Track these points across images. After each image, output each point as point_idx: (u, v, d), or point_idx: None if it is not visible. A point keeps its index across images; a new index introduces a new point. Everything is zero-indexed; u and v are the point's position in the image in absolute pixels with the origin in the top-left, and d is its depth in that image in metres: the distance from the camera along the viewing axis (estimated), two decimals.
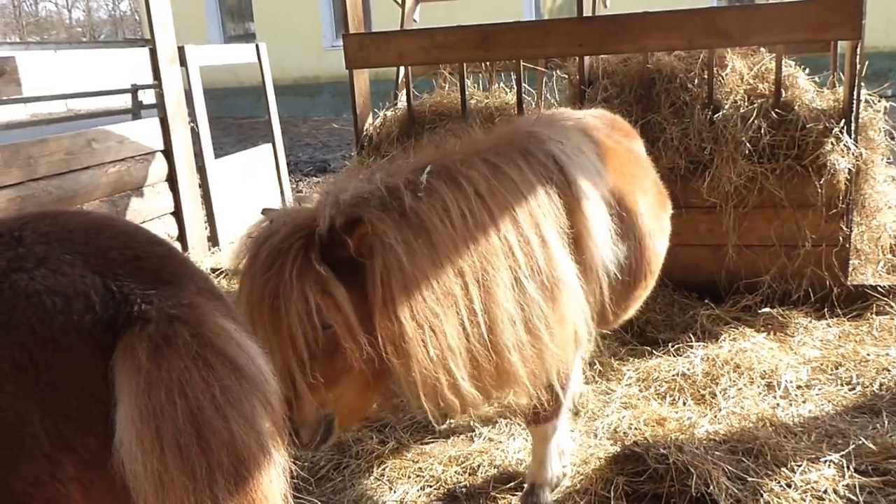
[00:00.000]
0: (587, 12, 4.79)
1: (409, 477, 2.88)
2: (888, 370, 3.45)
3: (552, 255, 2.14)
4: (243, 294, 1.92)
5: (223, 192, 6.00)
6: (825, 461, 2.71)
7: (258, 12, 16.83)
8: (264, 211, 2.15)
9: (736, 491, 2.52)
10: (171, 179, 5.26)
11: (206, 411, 1.05)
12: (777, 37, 4.11)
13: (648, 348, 3.76)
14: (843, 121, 4.06)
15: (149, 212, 5.03)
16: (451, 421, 3.15)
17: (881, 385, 3.33)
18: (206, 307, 1.18)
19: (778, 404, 3.22)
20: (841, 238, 4.09)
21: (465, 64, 4.63)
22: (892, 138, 4.29)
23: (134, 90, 6.72)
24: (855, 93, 4.05)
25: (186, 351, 1.08)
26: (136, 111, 6.68)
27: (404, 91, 5.05)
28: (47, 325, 1.08)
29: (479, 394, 2.06)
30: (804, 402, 3.24)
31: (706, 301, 4.17)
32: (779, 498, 2.51)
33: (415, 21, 6.20)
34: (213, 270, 5.03)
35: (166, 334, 1.08)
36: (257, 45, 6.66)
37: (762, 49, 4.45)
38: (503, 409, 3.26)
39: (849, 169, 4.01)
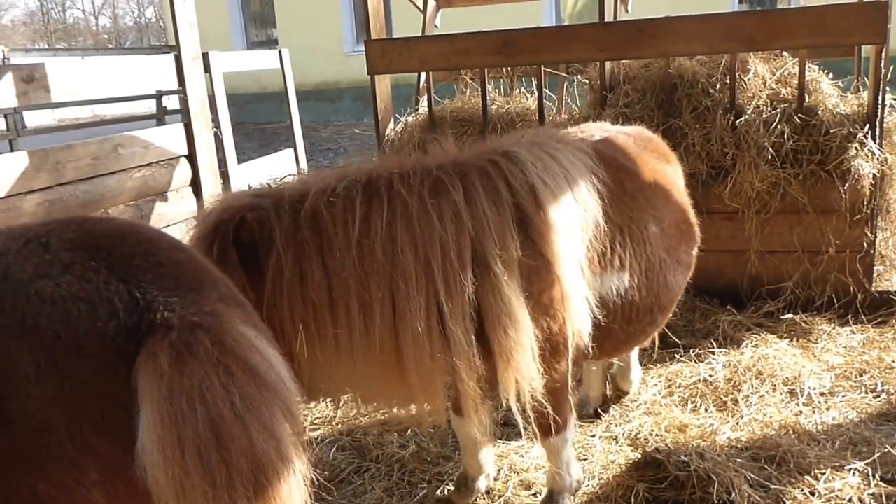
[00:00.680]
0: (608, 18, 4.77)
1: (430, 482, 2.89)
2: None
3: (498, 286, 2.07)
4: None
5: None
6: (850, 469, 2.66)
7: (280, 19, 17.02)
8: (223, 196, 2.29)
9: (758, 499, 2.49)
10: (195, 184, 5.34)
11: (226, 418, 1.07)
12: (800, 41, 4.05)
13: (669, 354, 3.73)
14: (868, 125, 4.00)
15: (172, 216, 5.11)
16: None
17: None
18: (228, 315, 1.20)
19: (801, 411, 3.17)
20: (865, 244, 4.02)
21: (486, 69, 4.64)
22: None
23: (159, 96, 6.82)
24: (880, 97, 3.98)
25: (207, 358, 1.09)
26: (161, 117, 6.79)
27: (426, 96, 5.07)
28: (72, 331, 1.10)
29: (383, 398, 2.15)
30: (828, 409, 3.19)
31: (728, 307, 4.13)
32: None
33: (436, 27, 6.23)
34: None
35: (188, 342, 1.10)
36: (280, 52, 6.74)
37: (785, 53, 4.39)
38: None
39: (873, 174, 3.95)
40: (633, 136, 2.91)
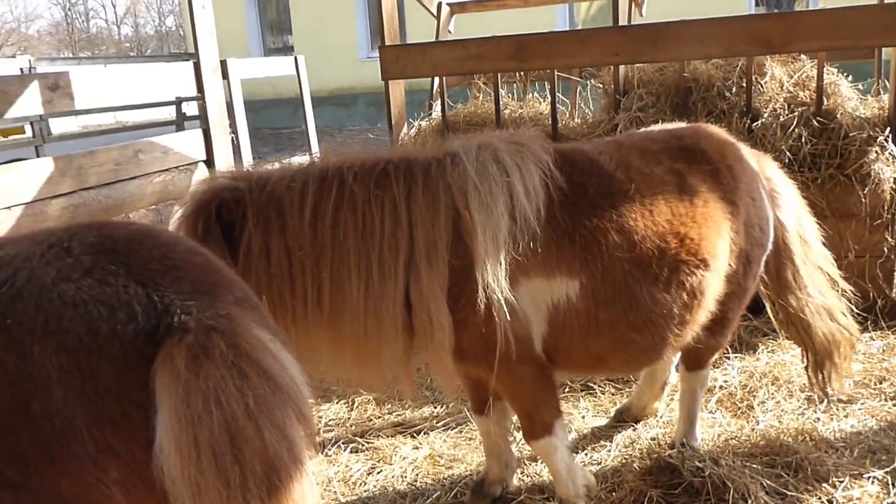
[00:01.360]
0: (622, 21, 4.76)
1: (443, 484, 2.90)
2: None
3: (419, 281, 2.20)
4: None
5: None
6: (868, 478, 2.63)
7: (296, 26, 17.20)
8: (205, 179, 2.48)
9: None
10: None
11: (240, 420, 1.09)
12: (819, 43, 4.01)
13: None
14: (889, 129, 3.94)
15: None
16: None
17: None
18: (243, 318, 1.22)
19: (818, 418, 3.14)
20: (886, 249, 3.97)
21: (499, 74, 4.66)
22: None
23: (178, 102, 6.94)
24: None
25: (223, 361, 1.12)
26: (180, 123, 6.90)
27: (439, 101, 5.10)
28: (93, 333, 1.12)
29: (334, 372, 2.38)
30: (846, 416, 3.15)
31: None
32: None
33: (450, 32, 6.26)
34: None
35: (204, 345, 1.12)
36: (296, 58, 6.81)
37: (803, 56, 4.35)
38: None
39: (894, 178, 3.89)
40: (667, 136, 2.68)
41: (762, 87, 4.25)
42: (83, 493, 1.09)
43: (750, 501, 2.46)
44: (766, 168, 2.88)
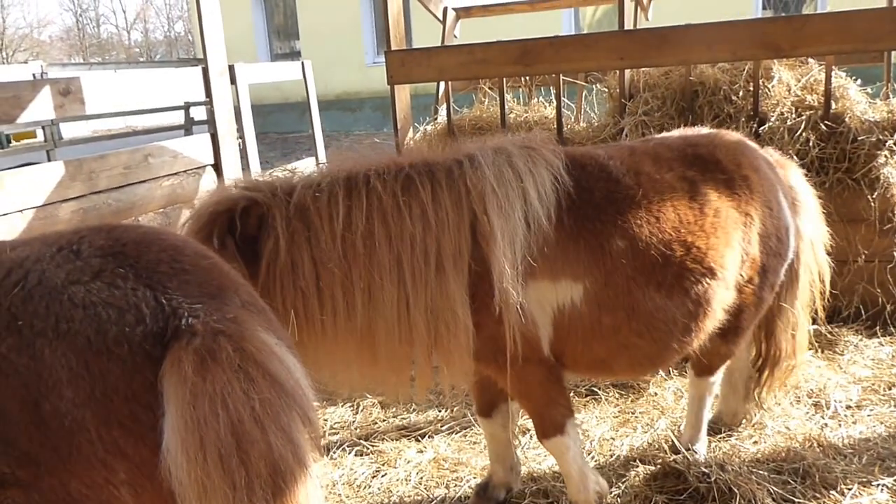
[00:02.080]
0: (628, 25, 4.76)
1: (448, 487, 2.90)
2: None
3: (445, 284, 2.18)
4: None
5: None
6: (878, 485, 2.61)
7: (303, 31, 17.30)
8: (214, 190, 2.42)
9: None
10: None
11: (246, 423, 1.10)
12: (827, 47, 4.00)
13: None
14: None
15: None
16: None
17: None
18: (249, 321, 1.23)
19: (826, 424, 3.12)
20: (895, 254, 3.94)
21: (504, 79, 4.67)
22: None
23: (186, 107, 6.99)
24: None
25: (229, 365, 1.13)
26: (189, 127, 6.94)
27: (444, 105, 5.12)
28: (102, 336, 1.14)
29: (362, 382, 2.29)
30: (854, 423, 3.12)
31: None
32: None
33: (455, 37, 6.28)
34: None
35: (211, 348, 1.13)
36: (303, 63, 6.85)
37: (811, 60, 4.34)
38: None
39: None
40: (682, 143, 2.65)
41: (769, 90, 4.24)
42: (92, 494, 1.11)
43: None
44: (790, 176, 2.89)
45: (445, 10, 6.22)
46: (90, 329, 1.14)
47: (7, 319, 1.14)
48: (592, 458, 3.03)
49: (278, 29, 18.55)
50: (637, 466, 2.89)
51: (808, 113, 4.09)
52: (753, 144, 2.84)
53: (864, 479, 2.64)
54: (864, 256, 3.96)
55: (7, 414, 1.09)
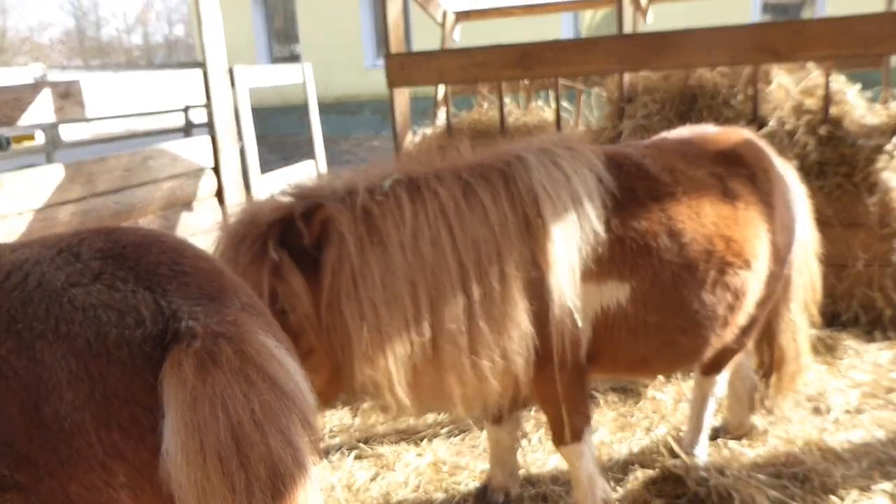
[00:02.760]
0: (627, 29, 4.78)
1: (447, 490, 2.90)
2: None
3: (508, 290, 2.11)
4: None
5: None
6: (878, 489, 2.60)
7: (303, 34, 17.33)
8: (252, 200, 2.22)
9: None
10: (220, 195, 5.44)
11: (246, 426, 1.10)
12: (826, 51, 4.01)
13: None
14: None
15: (198, 226, 5.21)
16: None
17: None
18: (249, 324, 1.23)
19: (826, 429, 3.11)
20: (894, 258, 3.94)
21: (503, 82, 4.68)
22: None
23: (186, 110, 6.99)
24: None
25: (229, 367, 1.13)
26: (188, 130, 6.95)
27: (443, 109, 5.13)
28: (102, 338, 1.13)
29: (417, 402, 2.10)
30: (854, 427, 3.12)
31: None
32: None
33: (454, 40, 6.29)
34: None
35: (211, 351, 1.13)
36: (302, 66, 6.86)
37: (810, 64, 4.35)
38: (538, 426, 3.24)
39: None
40: (702, 140, 2.69)
41: (768, 94, 4.26)
42: (91, 497, 1.10)
43: None
44: (787, 175, 2.92)
45: (444, 13, 6.24)
46: (90, 331, 1.14)
47: (6, 322, 1.13)
48: None
49: (278, 32, 18.58)
50: (636, 470, 2.88)
51: (807, 117, 4.11)
52: (761, 141, 2.89)
53: (864, 484, 2.64)
54: (863, 261, 3.97)
55: (6, 416, 1.09)
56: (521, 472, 2.93)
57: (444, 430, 3.36)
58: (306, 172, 7.02)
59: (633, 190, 2.39)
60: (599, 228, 2.26)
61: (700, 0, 7.15)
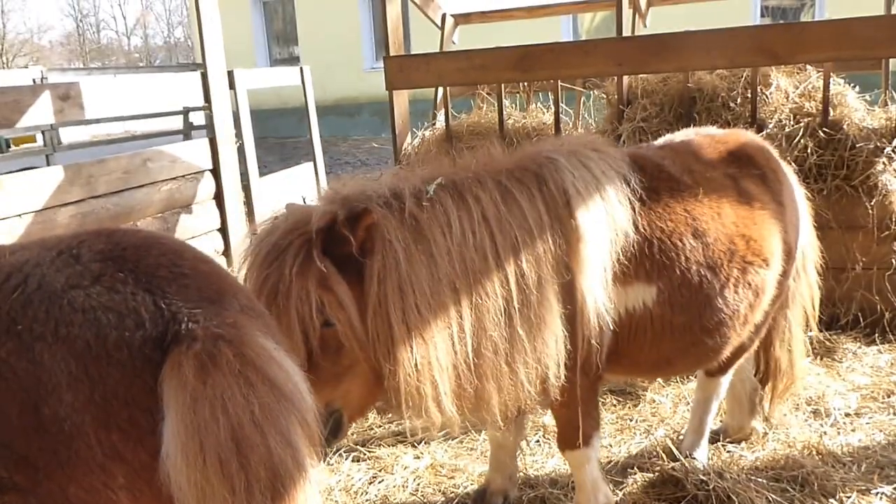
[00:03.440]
0: (626, 32, 4.78)
1: (445, 493, 2.89)
2: None
3: (545, 294, 2.09)
4: None
5: (267, 210, 6.16)
6: (877, 493, 2.61)
7: (302, 36, 17.35)
8: (287, 206, 2.14)
9: None
10: (219, 197, 5.44)
11: (246, 427, 1.10)
12: (825, 54, 4.02)
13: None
14: None
15: (197, 228, 5.21)
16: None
17: None
18: (249, 326, 1.23)
19: (825, 432, 3.11)
20: (893, 261, 3.95)
21: (502, 84, 4.68)
22: None
23: (185, 112, 6.97)
24: None
25: (229, 369, 1.13)
26: (188, 132, 6.94)
27: (442, 111, 5.13)
28: (102, 340, 1.13)
29: (457, 412, 2.05)
30: (853, 430, 3.12)
31: None
32: None
33: (454, 43, 6.30)
34: None
35: (211, 353, 1.13)
36: (301, 69, 6.87)
37: (809, 66, 4.36)
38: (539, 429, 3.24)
39: None
40: (712, 142, 2.72)
41: (767, 97, 4.26)
42: (90, 498, 1.10)
43: None
44: (790, 176, 2.96)
45: (444, 16, 6.25)
46: (90, 333, 1.14)
47: (6, 323, 1.13)
48: None
49: (277, 34, 18.60)
50: (635, 473, 2.88)
51: (806, 120, 4.11)
52: (766, 143, 2.94)
53: (863, 487, 2.63)
54: (862, 264, 3.97)
55: (6, 418, 1.09)
56: (520, 474, 2.93)
57: (441, 433, 3.35)
58: (305, 174, 7.03)
59: (657, 191, 2.40)
60: (629, 229, 2.27)
61: (699, 3, 7.18)
